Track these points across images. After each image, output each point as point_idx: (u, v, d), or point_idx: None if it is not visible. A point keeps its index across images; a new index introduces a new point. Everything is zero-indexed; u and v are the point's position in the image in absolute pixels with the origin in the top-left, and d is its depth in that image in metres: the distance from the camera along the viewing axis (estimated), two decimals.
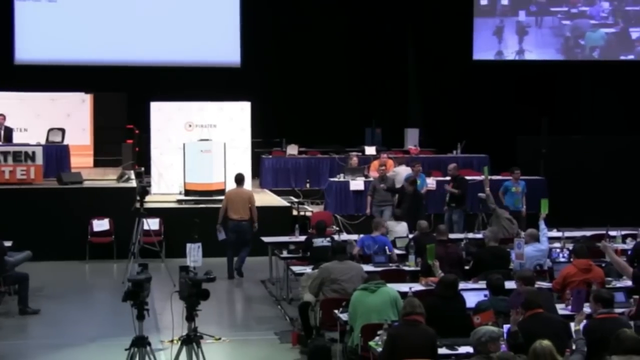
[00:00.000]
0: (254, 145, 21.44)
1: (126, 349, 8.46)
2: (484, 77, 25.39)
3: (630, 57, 25.99)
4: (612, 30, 25.81)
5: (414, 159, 20.73)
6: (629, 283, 11.36)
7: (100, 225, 17.78)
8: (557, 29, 25.76)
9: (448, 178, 19.01)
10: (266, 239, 15.84)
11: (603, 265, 12.23)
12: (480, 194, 17.33)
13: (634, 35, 25.78)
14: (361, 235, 15.03)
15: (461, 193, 18.35)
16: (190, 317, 8.55)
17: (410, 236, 14.79)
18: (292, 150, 22.24)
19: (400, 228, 15.26)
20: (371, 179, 19.48)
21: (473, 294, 10.36)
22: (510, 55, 25.83)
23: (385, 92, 25.13)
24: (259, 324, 13.47)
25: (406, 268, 13.18)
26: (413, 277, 12.68)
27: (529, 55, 25.84)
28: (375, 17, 24.90)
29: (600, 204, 20.16)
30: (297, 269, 13.41)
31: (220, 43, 24.22)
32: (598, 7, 25.69)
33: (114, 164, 21.21)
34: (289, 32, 24.68)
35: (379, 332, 9.11)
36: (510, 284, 10.59)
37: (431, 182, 19.61)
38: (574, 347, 8.47)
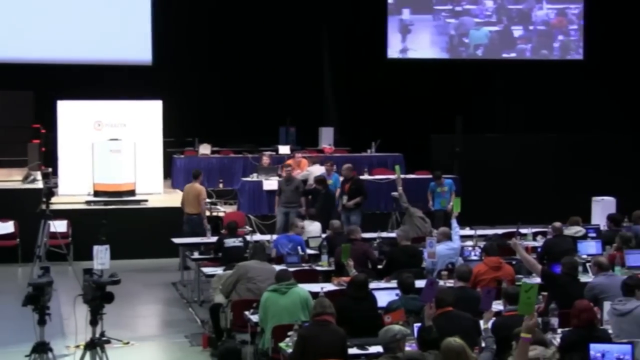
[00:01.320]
0: (166, 145, 21.23)
1: (26, 356, 8.32)
2: (399, 76, 25.55)
3: (513, 55, 26.36)
4: (495, 28, 26.10)
5: (328, 158, 20.82)
6: (538, 280, 11.52)
7: (5, 227, 17.47)
8: (441, 28, 25.96)
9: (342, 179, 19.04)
10: (177, 240, 15.77)
11: (514, 262, 12.42)
12: (394, 193, 17.44)
13: (516, 34, 26.14)
14: (274, 235, 15.12)
15: (359, 201, 18.10)
16: (95, 321, 8.46)
17: (323, 236, 14.82)
18: (205, 149, 22.09)
19: (313, 228, 15.29)
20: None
21: (385, 293, 10.40)
22: (394, 54, 25.92)
23: (299, 91, 25.04)
24: (169, 327, 13.37)
25: (319, 268, 13.19)
26: (326, 277, 12.70)
27: (413, 54, 25.97)
28: (290, 14, 24.85)
29: (512, 201, 20.38)
30: (208, 270, 13.34)
31: (131, 40, 23.76)
32: (482, 6, 25.96)
33: (19, 164, 20.75)
34: (202, 29, 24.45)
35: (289, 333, 9.11)
36: (421, 283, 10.65)
37: None
38: (483, 344, 8.58)
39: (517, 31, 26.03)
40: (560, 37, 26.22)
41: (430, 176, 20.13)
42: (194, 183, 17.37)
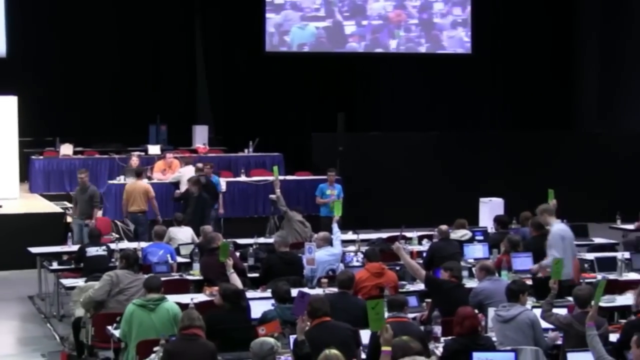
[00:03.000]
0: (22, 144, 20.91)
1: None
2: (278, 72, 25.64)
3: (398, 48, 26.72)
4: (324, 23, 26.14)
5: (203, 159, 20.81)
6: (422, 286, 11.73)
7: None
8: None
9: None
10: (34, 250, 15.33)
11: (397, 268, 12.57)
12: (271, 196, 17.49)
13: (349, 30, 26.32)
14: (142, 243, 15.04)
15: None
16: None
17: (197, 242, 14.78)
18: (67, 150, 21.72)
19: (183, 234, 15.20)
20: (155, 180, 19.42)
21: (261, 303, 10.43)
22: (272, 48, 25.95)
23: (171, 87, 24.98)
24: (24, 345, 13.11)
25: (190, 277, 13.13)
26: (198, 286, 12.66)
27: (292, 48, 26.12)
28: (160, 6, 24.73)
29: (398, 203, 20.65)
30: (68, 282, 13.07)
31: None
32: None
33: None
34: (61, 19, 24.07)
35: (155, 349, 9.04)
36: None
37: (222, 184, 19.62)
38: (363, 355, 8.71)
39: (350, 27, 26.02)
40: (402, 33, 26.40)
41: (311, 177, 20.31)
42: (137, 181, 17.95)
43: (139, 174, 18.39)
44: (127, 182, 18.47)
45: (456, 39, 26.62)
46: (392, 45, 26.36)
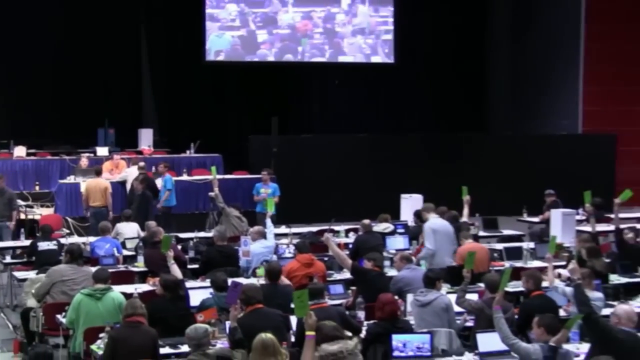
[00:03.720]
0: None
1: None
2: (217, 79, 25.55)
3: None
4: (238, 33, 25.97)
5: (148, 160, 20.75)
6: (348, 275, 11.78)
7: None
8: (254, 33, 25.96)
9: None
10: None
11: (326, 259, 12.62)
12: (210, 193, 17.40)
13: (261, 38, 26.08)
14: (90, 238, 14.92)
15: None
16: None
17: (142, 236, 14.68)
18: (20, 152, 21.37)
19: (129, 229, 15.09)
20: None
21: (200, 292, 10.43)
22: (212, 57, 25.71)
23: (118, 92, 24.75)
24: None
25: (134, 269, 13.06)
26: (142, 277, 12.61)
27: (230, 58, 25.83)
28: (107, 15, 24.48)
29: (327, 199, 20.66)
30: (20, 274, 12.90)
31: None
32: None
33: None
34: (13, 21, 23.44)
35: (100, 335, 9.03)
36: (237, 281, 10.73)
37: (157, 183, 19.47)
38: (292, 339, 8.72)
39: (262, 35, 25.78)
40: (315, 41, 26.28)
41: (247, 176, 20.26)
42: (97, 178, 18.17)
43: (98, 172, 18.57)
44: (88, 180, 18.26)
45: (382, 50, 26.68)
46: (325, 55, 26.27)
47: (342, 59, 26.40)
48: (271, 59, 25.90)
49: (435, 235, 12.86)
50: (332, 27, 26.14)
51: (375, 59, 26.71)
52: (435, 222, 13.28)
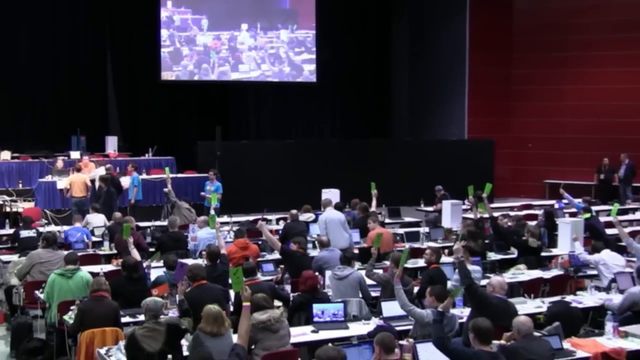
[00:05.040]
0: None
1: None
2: (172, 93, 25.36)
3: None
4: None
5: (114, 162, 20.59)
6: (277, 256, 11.78)
7: None
8: (202, 55, 25.72)
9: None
10: None
11: (259, 242, 12.62)
12: (165, 189, 17.27)
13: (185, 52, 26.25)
14: (65, 227, 14.78)
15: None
16: None
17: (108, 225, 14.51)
18: (6, 155, 21.00)
19: (97, 219, 14.92)
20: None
21: (155, 271, 10.33)
22: (167, 77, 25.21)
23: (88, 106, 24.37)
24: None
25: (101, 252, 12.99)
26: (107, 259, 12.54)
27: (181, 77, 25.38)
28: (78, 42, 24.16)
29: (262, 194, 20.56)
30: (4, 257, 12.73)
31: None
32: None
33: None
34: None
35: (71, 308, 8.92)
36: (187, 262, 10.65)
37: (125, 180, 19.22)
38: (231, 309, 8.69)
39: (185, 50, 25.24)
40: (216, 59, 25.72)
41: (196, 175, 20.14)
42: (78, 174, 18.11)
43: (79, 169, 18.38)
44: (71, 175, 18.18)
45: (307, 71, 26.66)
46: (256, 74, 26.16)
47: (273, 78, 26.23)
48: (213, 76, 25.67)
49: (327, 224, 13.07)
50: (260, 47, 26.02)
51: (300, 78, 26.66)
52: (327, 214, 13.49)
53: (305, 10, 25.84)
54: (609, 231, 14.33)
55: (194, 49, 24.91)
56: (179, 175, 20.72)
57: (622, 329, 8.39)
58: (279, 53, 25.89)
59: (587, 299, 9.99)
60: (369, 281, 9.87)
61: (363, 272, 10.00)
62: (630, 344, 8.07)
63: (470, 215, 15.21)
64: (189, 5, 24.67)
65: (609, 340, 8.18)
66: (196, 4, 24.71)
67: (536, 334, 7.42)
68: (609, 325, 8.43)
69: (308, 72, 26.53)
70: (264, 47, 25.65)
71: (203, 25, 24.86)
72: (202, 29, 24.86)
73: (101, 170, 18.67)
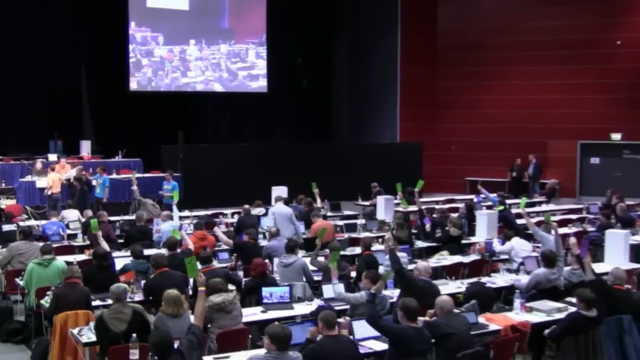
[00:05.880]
0: None
1: None
2: (140, 102, 25.02)
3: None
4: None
5: (87, 164, 20.28)
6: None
7: None
8: (162, 66, 25.75)
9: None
10: None
11: (216, 234, 12.54)
12: (132, 188, 17.08)
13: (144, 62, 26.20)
14: (43, 221, 14.57)
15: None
16: None
17: (82, 220, 14.32)
18: None
19: (71, 214, 14.70)
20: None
21: (123, 260, 10.21)
22: (134, 87, 24.79)
23: (65, 113, 23.84)
24: None
25: (75, 244, 12.80)
26: (81, 250, 12.32)
27: (148, 88, 25.00)
28: (56, 56, 23.72)
29: (219, 191, 20.50)
30: None
31: None
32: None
33: None
34: None
35: (47, 293, 8.79)
36: (151, 252, 10.56)
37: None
38: (190, 293, 8.63)
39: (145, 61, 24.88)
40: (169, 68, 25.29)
41: (160, 175, 19.94)
42: (54, 173, 18.02)
43: (53, 169, 18.25)
44: (51, 174, 17.99)
45: (259, 83, 26.58)
46: (201, 79, 25.95)
47: (214, 82, 25.90)
48: (166, 80, 25.44)
49: (275, 217, 13.11)
50: (212, 60, 25.89)
51: (253, 88, 26.55)
52: (276, 209, 13.53)
53: (241, 29, 25.70)
54: (519, 221, 14.57)
55: (152, 59, 24.72)
56: (146, 175, 20.52)
57: (528, 305, 8.53)
58: (219, 63, 25.64)
59: (499, 280, 10.11)
60: (312, 267, 9.89)
61: (307, 260, 10.01)
62: (535, 318, 8.21)
63: (401, 209, 15.31)
64: (148, 25, 24.49)
65: (517, 315, 8.29)
66: (154, 24, 24.50)
67: (456, 310, 7.47)
68: (517, 302, 8.56)
69: (260, 83, 26.43)
70: (207, 58, 25.45)
71: (159, 40, 24.71)
72: (158, 43, 24.72)
73: (74, 172, 18.47)
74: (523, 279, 9.68)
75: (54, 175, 17.91)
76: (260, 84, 26.52)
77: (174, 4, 24.51)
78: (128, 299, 7.63)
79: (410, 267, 9.65)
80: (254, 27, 26.07)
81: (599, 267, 10.18)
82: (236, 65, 25.94)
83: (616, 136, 23.99)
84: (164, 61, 24.89)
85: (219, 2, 25.48)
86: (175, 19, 24.65)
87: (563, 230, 13.99)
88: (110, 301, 8.28)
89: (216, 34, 25.47)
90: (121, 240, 12.74)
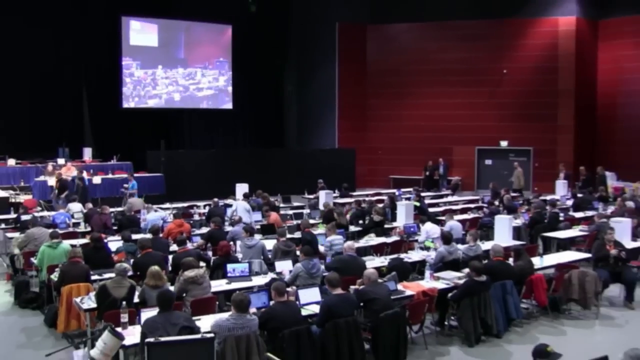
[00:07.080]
0: None
1: None
2: (131, 116, 24.58)
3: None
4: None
5: (87, 166, 20.00)
6: (204, 231, 11.65)
7: None
8: (153, 85, 25.45)
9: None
10: None
11: (191, 222, 12.49)
12: (124, 185, 16.79)
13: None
14: (52, 212, 14.34)
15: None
16: None
17: (84, 211, 14.06)
18: (11, 162, 20.06)
19: (76, 207, 14.44)
20: (63, 177, 18.22)
21: (116, 243, 10.12)
22: (127, 104, 24.54)
23: (71, 125, 23.43)
24: None
25: (78, 230, 12.59)
26: (82, 235, 12.06)
27: (138, 105, 24.75)
28: (60, 79, 23.20)
29: (195, 187, 20.34)
30: (10, 234, 12.32)
31: None
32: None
33: None
34: None
35: (56, 270, 8.68)
36: (137, 236, 10.45)
37: (97, 179, 18.77)
38: (169, 268, 8.57)
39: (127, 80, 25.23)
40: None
41: (146, 175, 19.64)
42: (52, 174, 17.71)
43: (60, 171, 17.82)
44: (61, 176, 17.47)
45: (225, 99, 26.38)
46: (165, 92, 25.72)
47: (176, 96, 25.67)
48: (142, 92, 25.14)
49: (237, 209, 13.20)
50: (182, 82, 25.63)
51: (221, 104, 26.37)
52: (237, 202, 13.74)
53: (194, 57, 25.47)
54: (431, 210, 14.80)
55: (132, 79, 24.48)
56: (135, 174, 20.19)
57: (435, 274, 8.71)
58: (178, 82, 25.43)
59: (414, 255, 10.25)
60: (269, 247, 9.90)
61: (264, 242, 10.01)
62: (441, 285, 8.36)
63: (340, 201, 15.41)
64: (130, 56, 24.26)
65: (427, 283, 8.43)
66: (133, 55, 24.31)
67: (380, 280, 7.58)
68: (427, 273, 8.73)
69: (226, 99, 26.24)
70: (170, 78, 25.27)
71: (137, 66, 24.50)
72: (137, 68, 24.52)
73: (75, 172, 18.17)
74: (432, 255, 9.85)
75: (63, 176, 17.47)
76: (227, 104, 26.36)
77: (148, 42, 24.58)
78: None
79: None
80: (204, 56, 25.89)
81: (488, 244, 10.41)
82: (188, 82, 25.71)
83: (504, 143, 24.58)
84: (140, 81, 24.74)
85: (177, 39, 25.42)
86: (148, 52, 24.61)
87: (464, 217, 14.31)
88: (106, 275, 8.32)
89: (175, 62, 25.36)
90: (115, 228, 12.57)
